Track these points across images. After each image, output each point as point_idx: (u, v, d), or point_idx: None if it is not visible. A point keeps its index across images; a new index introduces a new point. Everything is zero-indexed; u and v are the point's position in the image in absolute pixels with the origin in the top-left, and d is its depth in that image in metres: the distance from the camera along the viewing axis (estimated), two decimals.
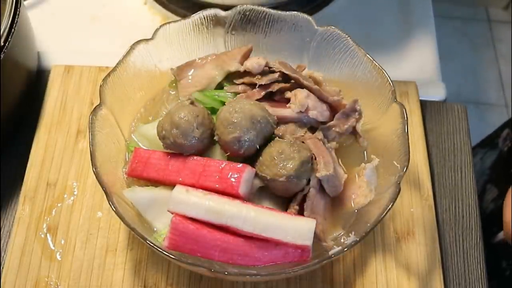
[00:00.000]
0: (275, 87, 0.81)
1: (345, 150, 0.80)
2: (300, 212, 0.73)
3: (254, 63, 0.81)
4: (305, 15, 0.84)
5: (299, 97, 0.79)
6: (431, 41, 1.07)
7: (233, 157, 0.74)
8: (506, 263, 1.10)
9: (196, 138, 0.73)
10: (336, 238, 0.74)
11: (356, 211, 0.75)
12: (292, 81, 0.82)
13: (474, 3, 2.37)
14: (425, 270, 0.82)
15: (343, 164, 0.79)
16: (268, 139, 0.75)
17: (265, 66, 0.82)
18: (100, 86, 0.77)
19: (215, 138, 0.75)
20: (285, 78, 0.82)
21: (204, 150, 0.76)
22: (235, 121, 0.72)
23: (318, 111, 0.79)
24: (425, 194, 0.88)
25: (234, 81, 0.83)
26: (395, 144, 0.76)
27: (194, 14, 0.85)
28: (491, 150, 1.26)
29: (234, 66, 0.83)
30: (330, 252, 0.69)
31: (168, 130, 0.73)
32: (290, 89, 0.82)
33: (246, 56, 0.85)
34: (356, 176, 0.78)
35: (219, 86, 0.84)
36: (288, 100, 0.80)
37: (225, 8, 0.85)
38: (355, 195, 0.77)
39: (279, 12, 0.85)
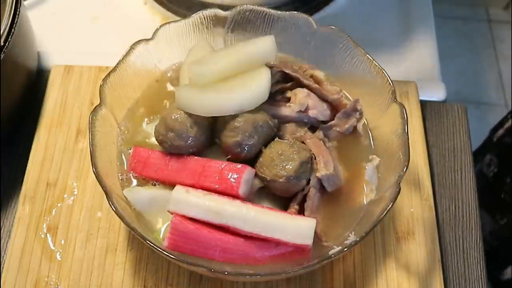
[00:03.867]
0: (275, 88, 0.81)
1: (347, 149, 0.80)
2: (300, 212, 0.73)
3: None
4: (305, 15, 0.84)
5: (299, 96, 0.79)
6: (431, 41, 1.07)
7: (233, 158, 0.74)
8: None
9: (192, 138, 0.73)
10: (336, 237, 0.74)
11: (361, 211, 0.75)
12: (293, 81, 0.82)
13: (474, 3, 2.37)
14: (425, 270, 0.82)
15: (345, 163, 0.79)
16: (269, 141, 0.75)
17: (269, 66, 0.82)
18: (100, 86, 0.77)
19: (216, 140, 0.75)
20: (285, 77, 0.82)
21: (204, 148, 0.76)
22: (238, 125, 0.72)
23: (318, 110, 0.80)
24: (425, 194, 0.87)
25: None
26: (395, 144, 0.76)
27: (194, 14, 0.85)
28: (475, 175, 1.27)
29: None
30: (330, 252, 0.69)
31: (164, 134, 0.74)
32: (291, 89, 0.82)
33: None
34: (357, 175, 0.78)
35: None
36: (288, 100, 0.81)
37: (225, 8, 0.85)
38: (356, 194, 0.77)
39: (279, 12, 0.85)
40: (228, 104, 0.72)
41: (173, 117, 0.73)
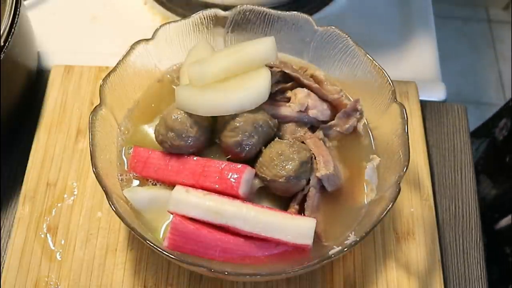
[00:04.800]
0: (275, 88, 0.81)
1: (347, 149, 0.80)
2: (300, 212, 0.73)
3: None
4: (305, 15, 0.84)
5: (299, 96, 0.79)
6: (431, 41, 1.07)
7: (234, 158, 0.74)
8: (510, 249, 1.09)
9: (192, 137, 0.73)
10: (336, 237, 0.74)
11: (361, 211, 0.75)
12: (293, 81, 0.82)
13: (474, 3, 2.37)
14: (425, 270, 0.82)
15: (345, 163, 0.79)
16: (269, 141, 0.75)
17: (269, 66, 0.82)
18: (100, 86, 0.77)
19: (216, 140, 0.75)
20: (286, 77, 0.82)
21: (204, 148, 0.76)
22: (238, 125, 0.72)
23: (319, 110, 0.80)
24: (425, 194, 0.88)
25: None
26: (395, 144, 0.76)
27: (194, 14, 0.85)
28: (487, 141, 1.26)
29: None
30: (330, 252, 0.69)
31: (164, 134, 0.74)
32: (291, 89, 0.82)
33: None
34: (357, 175, 0.78)
35: None
36: (288, 100, 0.81)
37: (225, 8, 0.85)
38: (356, 194, 0.77)
39: (279, 12, 0.85)
40: (228, 104, 0.72)
41: (173, 117, 0.73)
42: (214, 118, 0.75)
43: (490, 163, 1.20)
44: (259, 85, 0.74)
